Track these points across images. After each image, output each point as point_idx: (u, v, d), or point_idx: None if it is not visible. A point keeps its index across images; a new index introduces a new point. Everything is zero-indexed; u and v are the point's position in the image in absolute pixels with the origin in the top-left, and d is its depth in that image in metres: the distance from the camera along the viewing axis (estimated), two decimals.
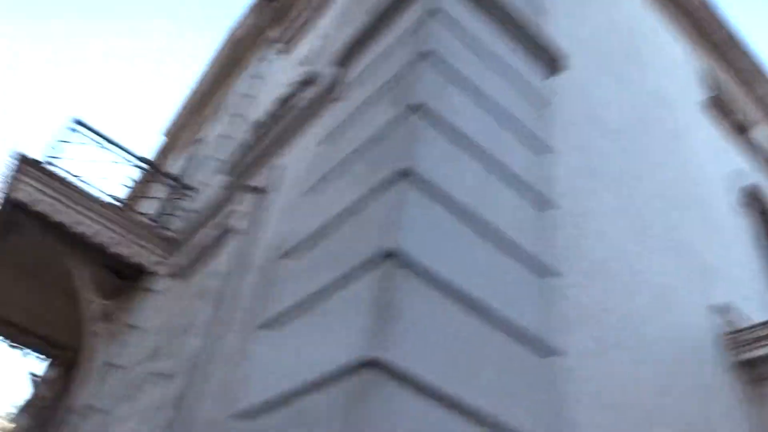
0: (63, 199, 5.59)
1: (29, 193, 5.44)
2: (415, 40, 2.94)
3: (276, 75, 6.77)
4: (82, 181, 5.79)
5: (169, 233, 6.07)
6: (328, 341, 1.99)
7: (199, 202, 6.42)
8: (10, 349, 8.06)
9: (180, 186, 6.48)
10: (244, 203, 4.27)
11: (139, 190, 8.29)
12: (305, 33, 6.81)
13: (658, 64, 5.38)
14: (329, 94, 4.16)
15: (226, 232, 4.33)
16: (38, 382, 7.81)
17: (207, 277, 4.40)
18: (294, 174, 4.11)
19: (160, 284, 5.67)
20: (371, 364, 1.83)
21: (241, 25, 9.32)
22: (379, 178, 2.37)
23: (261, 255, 3.75)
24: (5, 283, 6.87)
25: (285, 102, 5.07)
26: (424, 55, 2.80)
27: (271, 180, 4.33)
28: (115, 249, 5.74)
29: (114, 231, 5.76)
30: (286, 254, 2.77)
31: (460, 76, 2.89)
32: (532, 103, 3.15)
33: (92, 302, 5.78)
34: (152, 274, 5.86)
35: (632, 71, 4.88)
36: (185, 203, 6.41)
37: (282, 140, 4.61)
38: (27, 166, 5.52)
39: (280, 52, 6.88)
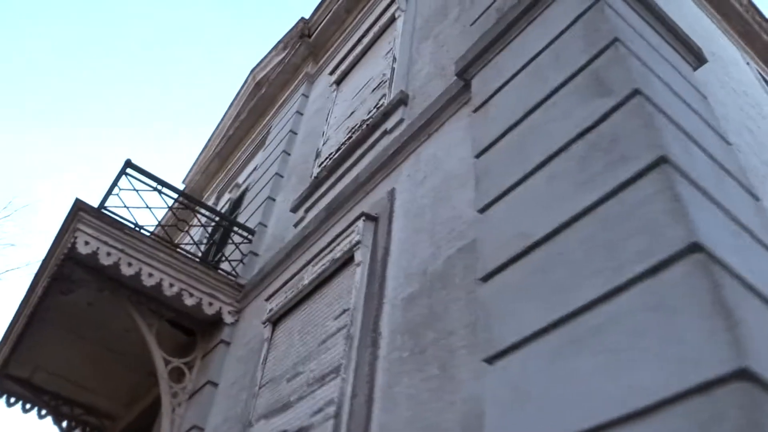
0: (127, 249, 5.18)
1: (92, 245, 5.02)
2: (596, 31, 2.68)
3: (326, 106, 6.50)
4: (139, 227, 5.38)
5: (239, 279, 5.66)
6: (657, 356, 1.64)
7: (261, 243, 6.05)
8: (38, 419, 7.42)
9: (241, 229, 6.09)
10: (357, 233, 3.91)
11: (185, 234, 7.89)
12: (346, 64, 6.59)
13: None
14: (446, 107, 3.89)
15: (342, 266, 3.95)
16: None
17: (316, 316, 3.99)
18: (408, 199, 3.79)
19: (240, 334, 5.24)
20: (740, 376, 1.49)
21: (266, 64, 9.12)
22: (632, 169, 2.07)
23: (396, 285, 3.38)
24: (52, 348, 6.34)
25: (371, 128, 4.77)
26: (614, 43, 2.54)
27: (381, 207, 3.99)
28: (189, 301, 5.30)
29: (182, 281, 5.34)
30: (489, 274, 2.43)
31: (654, 67, 2.64)
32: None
33: (169, 362, 5.29)
34: (226, 324, 5.42)
35: None
36: (244, 246, 6.01)
37: (383, 167, 4.29)
38: (87, 215, 5.11)
39: (333, 85, 6.60)
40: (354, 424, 3.00)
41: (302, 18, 8.12)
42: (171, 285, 5.27)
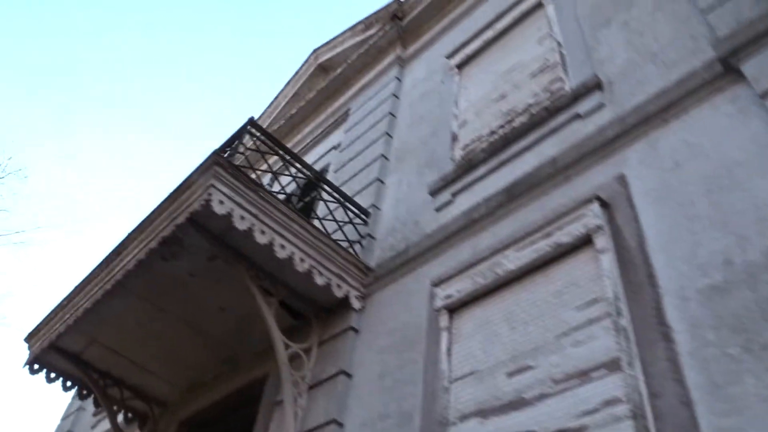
0: (261, 215, 4.61)
1: (226, 206, 4.43)
2: None
3: (442, 90, 6.12)
4: (271, 192, 4.83)
5: (364, 262, 5.16)
6: None
7: (378, 226, 5.58)
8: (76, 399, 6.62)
9: (357, 209, 5.58)
10: (593, 217, 3.54)
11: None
12: (471, 48, 6.25)
13: None
14: (692, 92, 3.61)
15: (569, 252, 3.57)
16: None
17: (535, 305, 3.59)
18: (655, 186, 3.47)
19: (373, 321, 4.74)
20: None
21: (334, 46, 8.67)
22: None
23: (675, 275, 3.04)
24: (122, 320, 5.62)
25: (552, 111, 4.44)
26: None
27: (610, 192, 3.65)
28: (319, 280, 4.76)
29: (313, 257, 4.80)
30: None
31: None
32: None
33: (288, 347, 4.70)
34: (354, 310, 4.91)
35: None
36: (362, 228, 5.52)
37: (592, 152, 3.96)
38: (224, 170, 4.53)
39: (453, 69, 6.22)
40: (668, 427, 2.62)
41: (396, 0, 7.71)
42: (302, 260, 4.73)
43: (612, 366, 2.97)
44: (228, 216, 4.44)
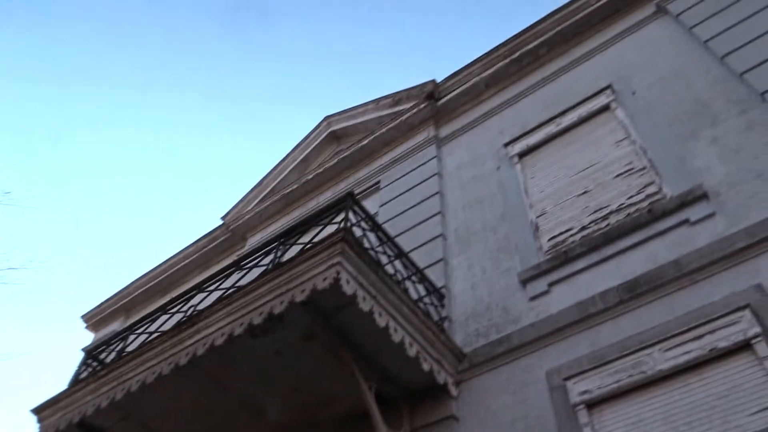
0: (379, 297, 4.47)
1: (352, 286, 4.27)
2: None
3: (498, 177, 6.35)
4: (387, 273, 4.70)
5: (460, 347, 5.09)
6: None
7: (454, 308, 5.56)
8: None
9: (433, 290, 5.53)
10: (747, 324, 3.78)
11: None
12: (532, 139, 6.56)
13: None
14: None
15: (725, 355, 3.76)
16: None
17: (693, 407, 3.72)
18: None
19: (476, 410, 4.65)
20: None
21: (351, 116, 8.76)
22: None
23: None
24: (173, 397, 5.12)
25: (657, 215, 4.74)
26: None
27: (746, 299, 3.92)
28: (425, 365, 4.64)
29: (419, 342, 4.69)
30: None
31: None
32: None
33: None
34: (451, 398, 4.80)
35: None
36: (438, 311, 5.47)
37: (718, 260, 4.25)
38: (351, 249, 4.38)
39: (515, 157, 6.47)
40: None
41: (433, 80, 7.94)
42: (410, 345, 4.61)
43: None
44: (353, 296, 4.27)
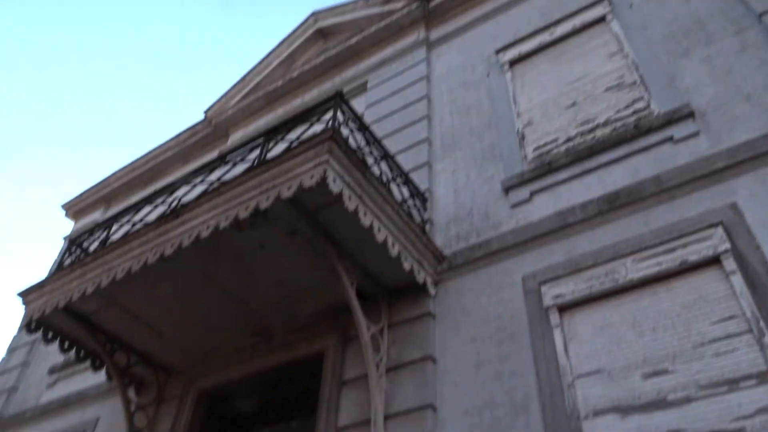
0: (365, 197, 4.53)
1: (338, 185, 4.31)
2: None
3: (487, 84, 6.29)
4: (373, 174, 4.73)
5: (440, 249, 5.23)
6: None
7: (437, 212, 5.67)
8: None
9: (417, 193, 5.59)
10: (718, 240, 3.94)
11: None
12: (525, 47, 6.47)
13: None
14: None
15: (692, 269, 3.94)
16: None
17: (663, 315, 3.94)
18: (763, 216, 3.94)
19: (454, 310, 4.87)
20: None
21: (339, 13, 8.49)
22: None
23: None
24: (158, 287, 5.24)
25: (643, 131, 4.80)
26: None
27: (720, 217, 4.07)
28: (406, 264, 4.79)
29: (401, 242, 4.81)
30: None
31: None
32: None
33: (368, 328, 4.69)
34: (429, 296, 4.99)
35: None
36: (420, 213, 5.58)
37: (694, 179, 4.36)
38: (339, 148, 4.38)
39: (506, 65, 6.39)
40: None
41: None
42: (393, 244, 4.73)
43: (762, 378, 3.39)
44: (339, 195, 4.32)
